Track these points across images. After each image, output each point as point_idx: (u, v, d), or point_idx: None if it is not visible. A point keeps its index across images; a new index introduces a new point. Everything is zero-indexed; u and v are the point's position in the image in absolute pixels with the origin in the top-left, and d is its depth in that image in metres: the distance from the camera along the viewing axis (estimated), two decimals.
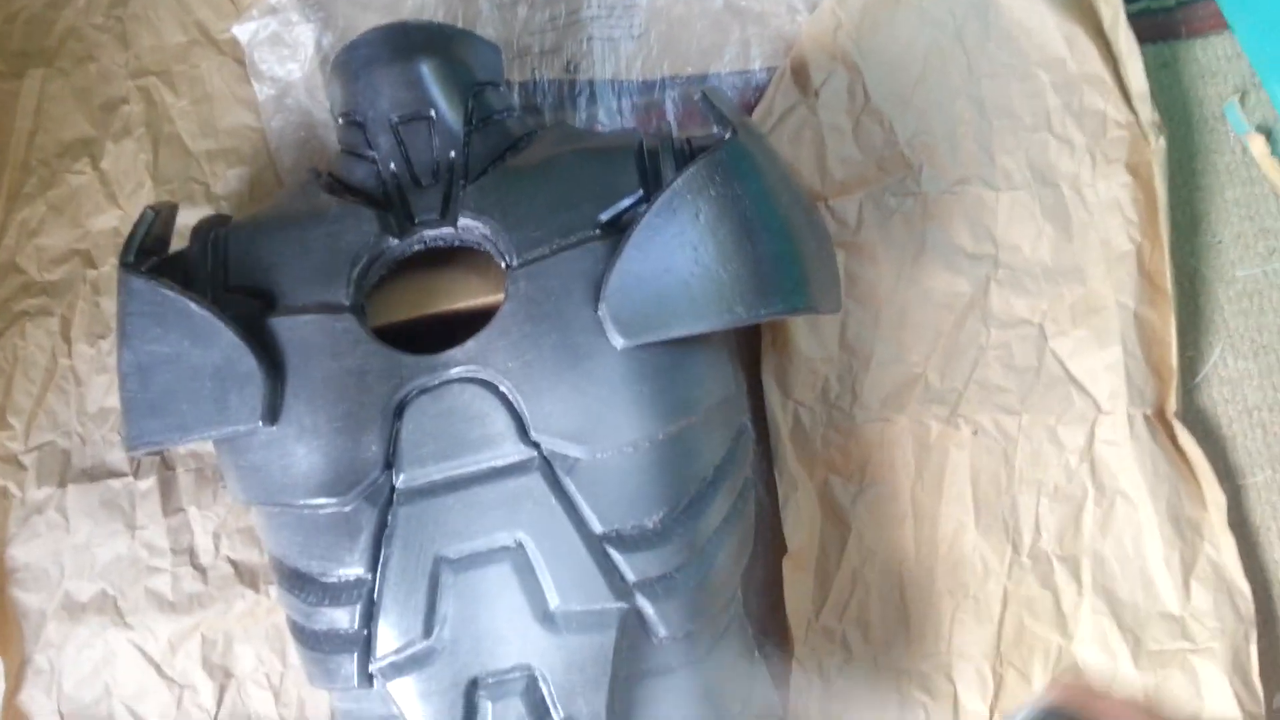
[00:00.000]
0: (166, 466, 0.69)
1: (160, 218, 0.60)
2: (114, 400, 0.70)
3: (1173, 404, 0.68)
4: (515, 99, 0.69)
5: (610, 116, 0.71)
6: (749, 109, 0.71)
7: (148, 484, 0.69)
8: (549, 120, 0.71)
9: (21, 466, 0.70)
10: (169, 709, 0.67)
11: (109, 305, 0.71)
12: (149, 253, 0.58)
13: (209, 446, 0.69)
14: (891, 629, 0.67)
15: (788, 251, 0.55)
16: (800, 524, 0.67)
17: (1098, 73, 0.69)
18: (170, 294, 0.54)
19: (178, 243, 0.61)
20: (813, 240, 0.58)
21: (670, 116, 0.71)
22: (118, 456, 0.69)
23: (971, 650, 0.66)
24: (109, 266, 0.71)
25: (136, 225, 0.59)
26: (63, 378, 0.70)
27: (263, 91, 0.71)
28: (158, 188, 0.71)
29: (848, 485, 0.68)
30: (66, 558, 0.69)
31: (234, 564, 0.68)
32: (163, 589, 0.68)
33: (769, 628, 0.66)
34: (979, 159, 0.69)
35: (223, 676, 0.68)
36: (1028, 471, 0.68)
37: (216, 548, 0.68)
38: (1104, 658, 0.66)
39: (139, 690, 0.68)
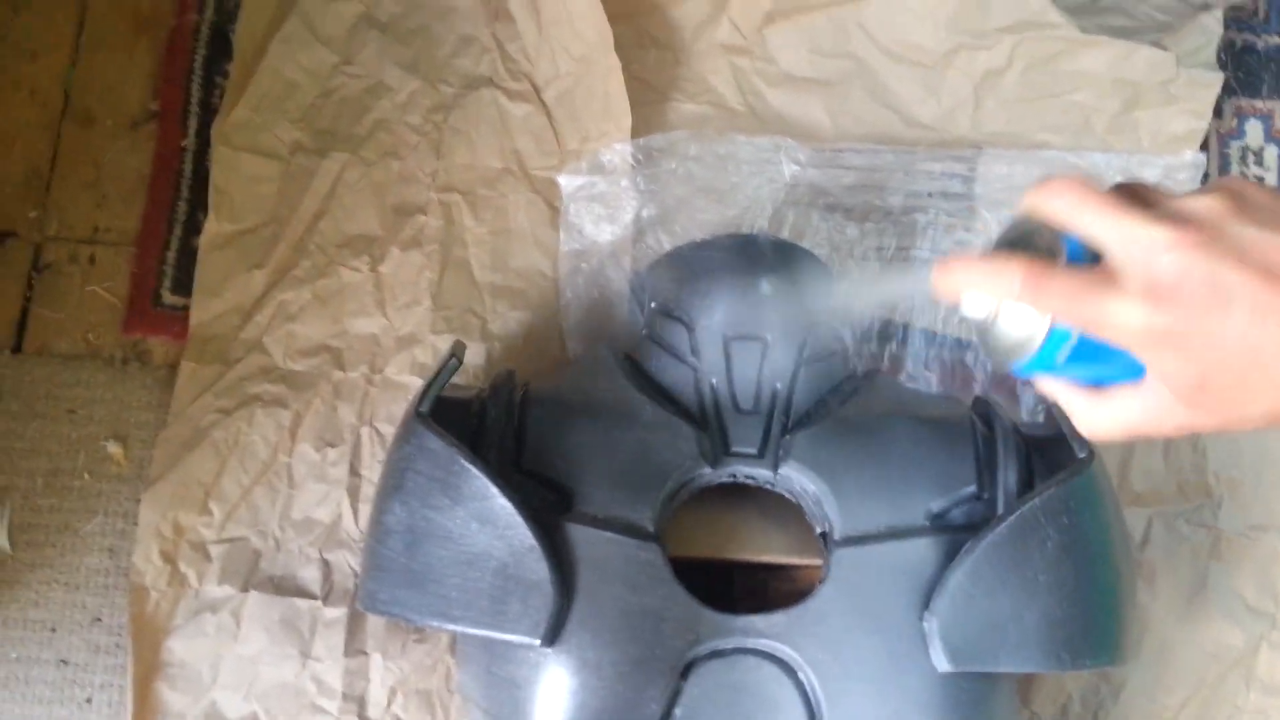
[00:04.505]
0: None
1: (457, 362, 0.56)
2: (323, 513, 0.65)
3: None
4: (845, 338, 0.65)
5: (916, 364, 0.67)
6: None
7: (335, 614, 0.64)
8: (852, 349, 0.67)
9: (207, 557, 0.65)
10: None
11: (346, 412, 0.66)
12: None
13: None
14: None
15: (1117, 601, 0.52)
16: None
17: None
18: (470, 468, 0.50)
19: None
20: (1132, 585, 0.55)
21: (978, 385, 0.67)
22: (310, 573, 0.65)
23: None
24: (357, 372, 0.67)
25: (440, 372, 0.55)
26: (276, 475, 0.66)
27: (567, 243, 0.67)
28: (434, 310, 0.67)
29: None
30: (225, 666, 0.63)
31: None
32: None
33: None
34: None
35: None
36: None
37: (389, 703, 0.63)
38: None
39: None
